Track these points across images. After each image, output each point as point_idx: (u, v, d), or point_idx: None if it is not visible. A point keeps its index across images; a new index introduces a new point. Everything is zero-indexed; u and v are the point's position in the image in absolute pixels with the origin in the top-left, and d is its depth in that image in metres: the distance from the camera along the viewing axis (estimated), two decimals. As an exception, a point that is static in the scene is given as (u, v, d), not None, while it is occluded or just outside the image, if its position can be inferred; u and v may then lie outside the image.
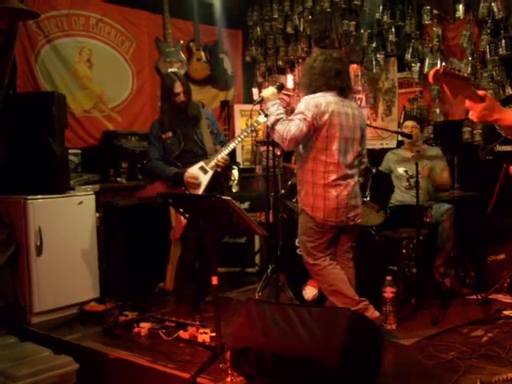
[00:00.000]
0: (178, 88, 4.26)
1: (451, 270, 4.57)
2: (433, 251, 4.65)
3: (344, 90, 3.61)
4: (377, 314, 3.54)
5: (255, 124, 4.27)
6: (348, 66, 3.73)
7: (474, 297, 4.30)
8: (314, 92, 3.55)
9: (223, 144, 4.41)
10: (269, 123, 3.55)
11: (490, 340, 3.52)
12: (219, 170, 4.28)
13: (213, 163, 4.25)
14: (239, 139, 4.32)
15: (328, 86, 3.55)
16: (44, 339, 3.89)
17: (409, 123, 5.05)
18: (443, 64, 2.08)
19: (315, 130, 3.46)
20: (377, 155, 5.40)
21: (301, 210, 3.65)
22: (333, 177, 3.50)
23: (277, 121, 3.47)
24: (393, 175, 5.08)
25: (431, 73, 2.01)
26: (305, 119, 3.41)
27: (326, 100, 3.48)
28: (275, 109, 3.53)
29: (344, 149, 3.53)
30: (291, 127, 3.40)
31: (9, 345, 3.77)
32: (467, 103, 2.24)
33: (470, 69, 4.97)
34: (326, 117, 3.44)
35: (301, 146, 3.61)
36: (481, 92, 2.13)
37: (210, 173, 4.25)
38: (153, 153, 4.34)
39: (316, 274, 3.67)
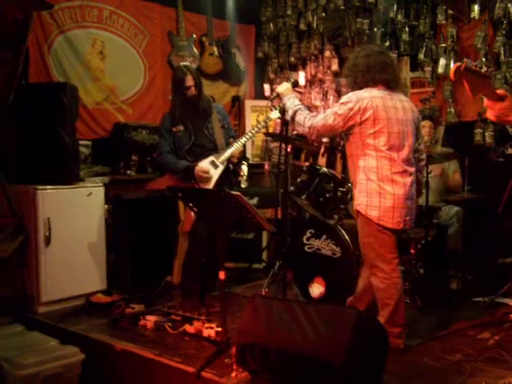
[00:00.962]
0: (190, 81, 4.26)
1: (459, 271, 4.55)
2: (441, 252, 4.62)
3: (391, 83, 3.42)
4: (401, 345, 3.39)
5: (266, 120, 4.26)
6: (391, 58, 3.59)
7: (482, 299, 4.28)
8: (360, 89, 3.41)
9: (233, 139, 4.41)
10: (288, 117, 3.51)
11: (497, 343, 3.49)
12: (235, 160, 4.27)
13: (224, 157, 4.25)
14: (250, 134, 4.32)
15: (374, 81, 3.39)
16: (50, 329, 3.90)
17: (426, 123, 5.00)
18: (465, 60, 2.06)
19: (355, 126, 3.31)
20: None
21: (356, 212, 3.45)
22: (387, 172, 3.30)
23: (295, 112, 3.43)
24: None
25: (453, 68, 1.99)
26: (336, 113, 3.32)
27: (370, 94, 3.33)
28: (292, 102, 3.50)
29: (397, 143, 3.34)
30: (317, 116, 3.35)
31: (16, 333, 3.79)
32: (485, 101, 2.23)
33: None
34: (369, 112, 3.28)
35: (347, 147, 3.49)
36: (500, 91, 2.11)
37: (221, 167, 4.25)
38: (163, 146, 4.34)
39: (379, 281, 3.40)
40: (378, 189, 3.31)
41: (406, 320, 3.45)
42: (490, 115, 2.25)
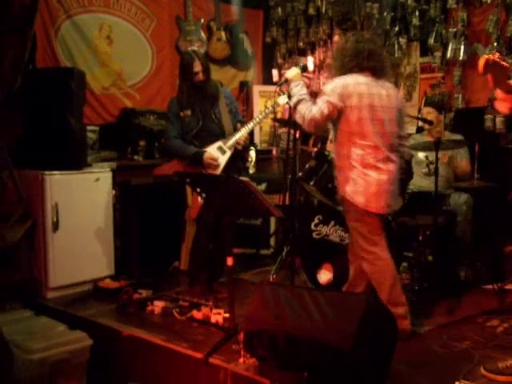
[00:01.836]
0: (197, 67, 4.21)
1: (468, 259, 4.53)
2: (450, 239, 4.60)
3: (377, 71, 3.47)
4: (408, 326, 3.40)
5: (274, 105, 4.23)
6: (381, 47, 3.63)
7: (491, 286, 4.26)
8: (346, 74, 3.44)
9: (241, 123, 4.38)
10: (291, 103, 3.50)
11: (505, 330, 3.49)
12: (239, 147, 4.25)
13: (231, 143, 4.22)
14: (257, 119, 4.29)
15: (360, 68, 3.43)
16: (59, 314, 3.93)
17: (424, 110, 4.96)
18: (494, 52, 2.06)
19: (341, 112, 3.36)
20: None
21: (341, 198, 3.52)
22: (372, 160, 3.36)
23: (299, 101, 3.42)
24: (413, 160, 5.02)
25: (482, 62, 1.97)
26: (328, 101, 3.33)
27: (355, 81, 3.37)
28: (298, 89, 3.48)
29: (380, 131, 3.39)
30: (313, 109, 3.35)
31: (24, 318, 3.81)
32: (499, 94, 2.20)
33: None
34: (354, 98, 3.33)
35: (332, 132, 3.53)
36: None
37: (228, 153, 4.23)
38: (171, 131, 4.31)
39: (371, 263, 3.45)
40: (362, 175, 3.37)
41: (411, 307, 3.47)
42: (503, 107, 2.23)
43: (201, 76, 4.23)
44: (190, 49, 4.69)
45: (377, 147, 3.37)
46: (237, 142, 4.22)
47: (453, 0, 5.18)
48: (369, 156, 3.37)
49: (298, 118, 3.45)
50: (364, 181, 3.37)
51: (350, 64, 3.45)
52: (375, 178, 3.36)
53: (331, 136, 3.60)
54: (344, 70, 3.47)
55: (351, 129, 3.38)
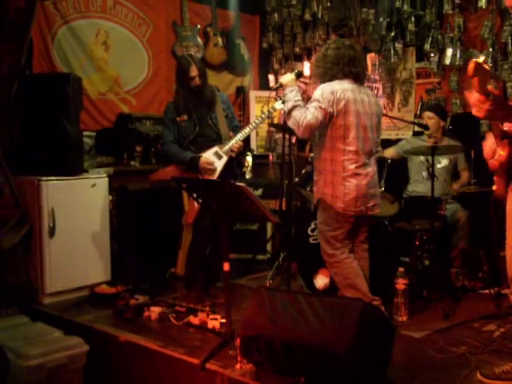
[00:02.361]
0: (194, 71, 4.22)
1: (464, 265, 4.53)
2: (446, 244, 4.61)
3: (359, 76, 3.59)
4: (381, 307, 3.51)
5: (271, 110, 4.24)
6: (361, 53, 3.68)
7: (487, 291, 4.26)
8: (330, 80, 3.53)
9: (237, 129, 4.38)
10: (286, 109, 3.54)
11: (502, 335, 3.49)
12: (233, 155, 4.25)
13: (227, 148, 4.23)
14: (254, 125, 4.29)
15: (343, 73, 3.52)
16: (55, 320, 3.91)
17: (426, 114, 4.98)
18: (482, 57, 2.14)
19: (331, 117, 3.43)
20: (392, 145, 5.35)
21: (319, 200, 3.62)
22: (352, 166, 3.48)
23: (294, 107, 3.45)
24: (411, 164, 5.03)
25: (472, 65, 2.01)
26: (320, 107, 3.39)
27: (342, 87, 3.46)
28: (293, 95, 3.51)
29: (362, 136, 3.51)
30: (307, 115, 3.37)
31: (20, 324, 3.80)
32: (479, 98, 2.24)
33: (490, 60, 4.89)
34: (341, 104, 3.41)
35: (317, 135, 3.58)
36: (490, 87, 2.16)
37: (225, 158, 4.23)
38: (167, 135, 4.32)
39: (332, 266, 3.65)
40: (343, 182, 3.49)
41: (408, 312, 3.62)
42: (481, 112, 2.29)
43: (197, 80, 4.24)
44: (186, 53, 4.67)
45: (358, 153, 3.49)
46: (233, 147, 4.22)
47: (448, 6, 5.20)
48: (350, 161, 3.48)
49: (291, 123, 3.48)
50: (344, 187, 3.48)
51: (332, 71, 3.54)
52: (354, 183, 3.49)
53: (315, 140, 3.63)
54: (327, 76, 3.56)
55: (336, 134, 3.46)
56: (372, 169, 3.59)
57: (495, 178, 2.75)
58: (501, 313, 3.90)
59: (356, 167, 3.49)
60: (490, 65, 2.14)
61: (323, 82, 3.56)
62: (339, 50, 3.56)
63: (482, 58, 2.11)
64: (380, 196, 3.72)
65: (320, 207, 3.65)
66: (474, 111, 2.35)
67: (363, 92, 3.58)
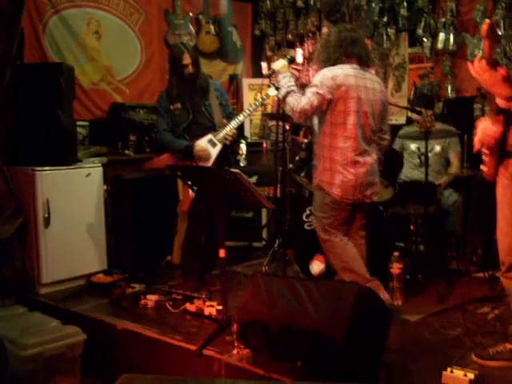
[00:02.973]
0: (187, 59, 4.21)
1: (459, 248, 4.56)
2: (441, 228, 4.63)
3: (363, 59, 3.54)
4: (386, 295, 3.54)
5: (264, 97, 4.22)
6: (363, 36, 3.70)
7: (481, 274, 4.30)
8: (333, 65, 3.49)
9: (231, 116, 4.37)
10: (280, 96, 3.53)
11: (496, 317, 3.53)
12: (228, 143, 4.25)
13: (221, 136, 4.22)
14: (248, 112, 4.28)
15: (347, 55, 3.49)
16: (52, 310, 3.92)
17: (413, 116, 4.95)
18: (493, 19, 2.20)
19: (330, 103, 3.40)
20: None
21: (316, 186, 3.62)
22: (351, 153, 3.46)
23: (288, 93, 3.44)
24: (405, 152, 5.04)
25: (485, 26, 2.06)
26: (317, 92, 3.36)
27: (344, 72, 3.42)
28: (286, 81, 3.50)
29: (363, 123, 3.47)
30: (302, 100, 3.36)
31: (17, 314, 3.81)
32: (482, 63, 2.27)
33: (482, 44, 4.89)
34: (342, 89, 3.37)
35: (316, 121, 3.57)
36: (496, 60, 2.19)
37: (219, 146, 4.23)
38: (161, 124, 4.31)
39: (328, 250, 3.66)
40: (341, 169, 3.47)
41: (403, 295, 3.63)
42: (482, 77, 2.33)
43: (190, 69, 4.22)
44: (178, 42, 4.65)
45: (357, 140, 3.46)
46: (227, 135, 4.22)
47: (441, -10, 5.20)
48: (349, 149, 3.45)
49: (287, 109, 3.48)
50: (342, 175, 3.47)
51: (335, 54, 3.50)
52: (353, 171, 3.47)
53: (314, 125, 3.63)
54: (330, 61, 3.51)
55: (336, 120, 3.43)
56: (372, 157, 3.56)
57: (485, 158, 2.75)
58: (495, 295, 3.92)
59: (355, 155, 3.46)
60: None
61: (326, 66, 3.52)
62: (340, 32, 3.54)
63: (495, 21, 2.17)
64: (379, 184, 3.71)
65: (316, 193, 3.65)
66: (476, 75, 2.38)
67: (368, 78, 3.54)
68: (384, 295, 3.48)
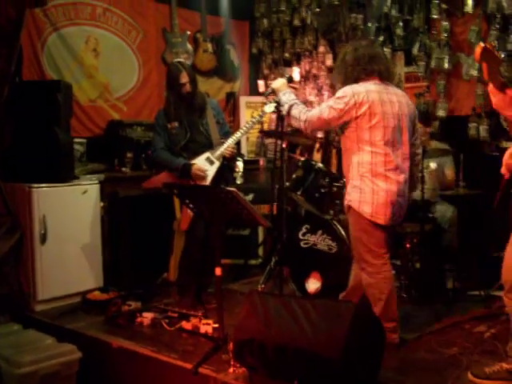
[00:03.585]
0: (184, 78, 4.22)
1: (455, 266, 4.56)
2: (437, 246, 4.64)
3: (383, 74, 3.41)
4: (396, 340, 3.38)
5: (261, 114, 4.23)
6: (380, 50, 3.55)
7: (478, 293, 4.30)
8: (355, 81, 3.38)
9: (227, 135, 4.38)
10: (284, 112, 3.51)
11: (493, 336, 3.52)
12: (227, 157, 4.25)
13: (219, 154, 4.23)
14: (245, 129, 4.28)
15: (366, 73, 3.38)
16: (47, 327, 3.91)
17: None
18: (489, 41, 2.18)
19: (351, 120, 3.30)
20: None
21: (346, 206, 3.43)
22: (381, 168, 3.28)
23: (291, 106, 3.43)
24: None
25: (479, 49, 2.05)
26: (332, 107, 3.29)
27: (366, 89, 3.31)
28: (287, 97, 3.50)
29: (391, 139, 3.31)
30: (311, 110, 3.35)
31: (12, 332, 3.79)
32: (490, 87, 2.28)
33: (477, 64, 4.94)
34: (365, 107, 3.25)
35: (342, 141, 3.49)
36: (503, 80, 2.19)
37: (217, 164, 4.24)
38: (158, 142, 4.31)
39: (369, 276, 3.38)
40: (371, 185, 3.29)
41: (399, 314, 3.44)
42: (493, 101, 2.33)
43: (188, 87, 4.24)
44: (176, 60, 4.66)
45: (387, 155, 3.29)
46: (226, 152, 4.22)
47: (436, 10, 5.25)
48: (378, 165, 3.29)
49: (294, 123, 3.45)
50: (372, 190, 3.28)
51: (353, 73, 3.39)
52: (383, 188, 3.28)
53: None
54: (349, 80, 3.40)
55: (361, 137, 3.31)
56: (403, 176, 3.35)
57: None
58: (491, 314, 3.93)
59: (385, 170, 3.28)
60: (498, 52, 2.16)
61: (346, 85, 3.39)
62: (357, 51, 3.42)
63: (492, 44, 2.15)
64: (406, 207, 3.47)
65: (350, 215, 3.44)
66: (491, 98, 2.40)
67: (391, 92, 3.39)
68: (395, 338, 3.37)
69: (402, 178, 3.35)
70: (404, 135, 3.39)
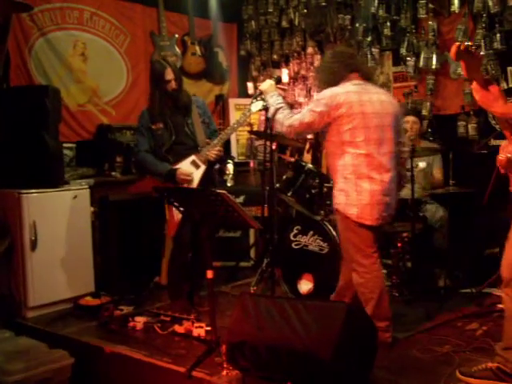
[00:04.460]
0: (169, 75, 4.10)
1: (446, 265, 4.58)
2: (428, 246, 4.65)
3: (364, 71, 3.47)
4: (389, 339, 3.38)
5: (246, 113, 4.14)
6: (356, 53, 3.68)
7: (469, 290, 4.32)
8: (336, 83, 3.39)
9: (215, 134, 4.32)
10: (269, 115, 3.52)
11: (484, 333, 3.54)
12: (212, 160, 4.17)
13: (204, 157, 4.15)
14: (230, 130, 4.21)
15: (346, 69, 3.41)
16: (39, 333, 3.88)
17: (410, 118, 4.97)
18: (465, 41, 2.18)
19: (331, 122, 3.31)
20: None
21: (335, 210, 3.46)
22: (364, 169, 3.28)
23: (277, 110, 3.44)
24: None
25: (454, 47, 2.06)
26: (312, 110, 3.32)
27: (345, 90, 3.32)
28: (274, 100, 3.51)
29: (374, 138, 3.31)
30: (293, 116, 3.36)
31: (3, 339, 3.76)
32: (474, 84, 2.29)
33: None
34: (344, 108, 3.26)
35: (326, 145, 3.51)
36: (487, 77, 2.20)
37: (203, 167, 4.17)
38: (142, 144, 4.21)
39: (360, 276, 3.39)
40: (355, 187, 3.30)
41: (391, 313, 3.44)
42: (476, 98, 2.34)
43: (173, 84, 4.12)
44: (160, 57, 4.49)
45: (370, 155, 3.29)
46: (209, 157, 4.15)
47: (423, 10, 5.27)
48: (362, 165, 3.29)
49: (278, 127, 3.46)
50: (357, 192, 3.29)
51: (333, 69, 3.43)
52: (367, 189, 3.28)
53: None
54: (331, 77, 3.44)
55: (343, 138, 3.32)
56: (389, 175, 3.34)
57: (510, 176, 2.76)
58: (482, 311, 3.95)
59: (369, 170, 3.29)
60: (477, 49, 2.15)
61: (328, 86, 3.41)
62: (335, 52, 3.53)
63: (469, 43, 2.14)
64: (395, 206, 3.47)
65: (338, 217, 3.46)
66: (474, 96, 2.41)
67: (372, 92, 3.40)
68: (388, 337, 3.37)
69: (387, 177, 3.34)
70: (388, 133, 3.38)
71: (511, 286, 2.78)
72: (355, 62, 3.47)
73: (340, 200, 3.36)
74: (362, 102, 3.30)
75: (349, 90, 3.32)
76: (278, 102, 3.49)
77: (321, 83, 3.55)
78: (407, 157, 3.75)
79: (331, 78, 3.43)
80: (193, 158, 4.18)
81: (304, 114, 3.35)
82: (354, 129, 3.28)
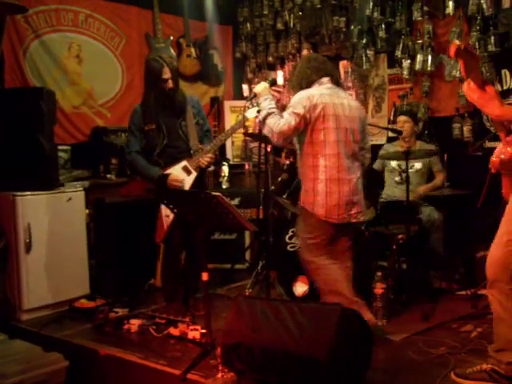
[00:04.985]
0: (167, 74, 4.02)
1: (441, 267, 4.59)
2: (423, 247, 4.66)
3: (334, 76, 3.64)
4: (370, 315, 3.46)
5: (243, 120, 4.14)
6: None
7: (464, 292, 4.32)
8: (308, 87, 3.55)
9: (208, 134, 4.30)
10: (260, 117, 3.55)
11: (480, 335, 3.54)
12: (203, 168, 4.14)
13: (196, 163, 4.10)
14: (224, 136, 4.19)
15: (318, 73, 3.57)
16: (34, 336, 3.86)
17: (401, 118, 5.03)
18: (465, 41, 2.20)
19: (308, 123, 3.43)
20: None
21: (301, 207, 3.60)
22: (334, 171, 3.45)
23: (268, 114, 3.47)
24: (386, 170, 5.09)
25: (453, 46, 2.07)
26: (293, 112, 3.40)
27: (319, 92, 3.47)
28: (267, 103, 3.53)
29: (344, 140, 3.49)
30: (280, 122, 3.40)
31: (-2, 342, 3.75)
32: (471, 85, 2.29)
33: (459, 65, 4.98)
34: (319, 109, 3.41)
35: (297, 145, 3.59)
36: (484, 78, 2.20)
37: (194, 174, 4.11)
38: (133, 145, 4.14)
39: (312, 273, 3.62)
40: (325, 188, 3.46)
41: (386, 314, 3.57)
42: (473, 98, 2.34)
43: (170, 83, 4.05)
44: (156, 56, 4.38)
45: (339, 156, 3.46)
46: (200, 164, 4.10)
47: (418, 12, 5.29)
48: (332, 166, 3.45)
49: (266, 131, 3.50)
50: (325, 193, 3.45)
51: (306, 72, 3.59)
52: (336, 190, 3.45)
53: (296, 148, 3.65)
54: (305, 80, 3.58)
55: (317, 139, 3.45)
56: (356, 175, 3.56)
57: (503, 179, 2.78)
58: (477, 313, 3.95)
59: (338, 171, 3.46)
60: (475, 49, 2.17)
61: (301, 89, 3.56)
62: (308, 57, 3.72)
63: (467, 43, 2.17)
64: (364, 203, 3.68)
65: (301, 215, 3.64)
66: (467, 96, 2.42)
67: (343, 96, 3.59)
68: (368, 315, 3.46)
69: (354, 177, 3.54)
70: (355, 136, 3.57)
71: (496, 287, 2.79)
72: (327, 67, 3.63)
73: (308, 198, 3.52)
74: (335, 104, 3.48)
75: (323, 93, 3.48)
76: (270, 106, 3.52)
77: (294, 87, 3.69)
78: (368, 162, 3.89)
79: (303, 82, 3.59)
80: (184, 163, 4.12)
81: (289, 119, 3.41)
82: (326, 129, 3.44)
